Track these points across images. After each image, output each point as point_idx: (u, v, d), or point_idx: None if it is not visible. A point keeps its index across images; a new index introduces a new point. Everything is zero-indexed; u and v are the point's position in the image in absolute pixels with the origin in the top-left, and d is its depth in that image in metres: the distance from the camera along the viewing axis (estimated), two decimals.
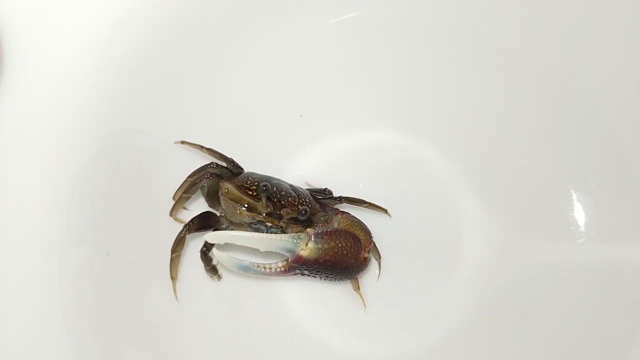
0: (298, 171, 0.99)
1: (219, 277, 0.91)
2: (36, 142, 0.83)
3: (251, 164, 0.94)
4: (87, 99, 0.88)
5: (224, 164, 0.92)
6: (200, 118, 0.97)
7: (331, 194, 0.94)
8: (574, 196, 0.96)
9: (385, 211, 0.96)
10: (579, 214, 0.96)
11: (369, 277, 0.94)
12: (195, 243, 0.91)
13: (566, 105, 0.97)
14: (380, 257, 0.93)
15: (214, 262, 0.89)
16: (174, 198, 0.92)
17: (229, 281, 0.92)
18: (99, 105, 0.89)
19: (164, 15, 0.92)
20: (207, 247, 0.87)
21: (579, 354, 0.89)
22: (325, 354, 0.91)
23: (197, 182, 0.91)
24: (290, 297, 0.94)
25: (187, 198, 0.92)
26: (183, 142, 0.93)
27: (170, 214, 0.91)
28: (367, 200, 0.95)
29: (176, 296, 0.88)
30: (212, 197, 0.91)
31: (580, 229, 0.95)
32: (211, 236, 0.84)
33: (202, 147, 0.92)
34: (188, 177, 0.91)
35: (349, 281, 0.91)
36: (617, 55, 0.93)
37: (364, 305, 0.92)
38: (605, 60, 0.94)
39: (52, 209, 0.83)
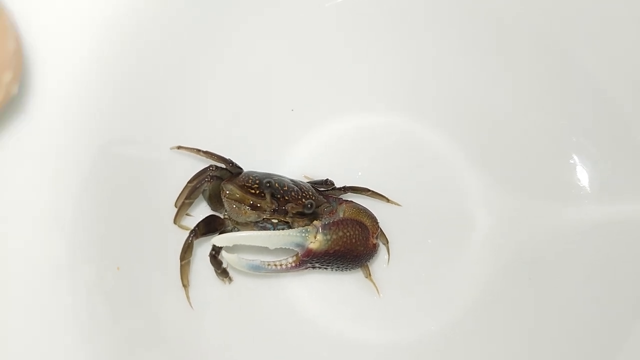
0: (295, 164, 0.98)
1: (230, 279, 0.90)
2: (32, 161, 0.81)
3: (247, 162, 0.93)
4: (77, 115, 0.85)
5: (223, 166, 0.91)
6: (191, 119, 0.95)
7: (333, 184, 0.94)
8: (576, 161, 0.97)
9: (387, 199, 0.96)
10: (582, 178, 0.96)
11: (379, 264, 0.94)
12: (203, 248, 0.90)
13: (562, 74, 0.97)
14: (388, 242, 0.93)
15: (224, 265, 0.88)
16: (175, 205, 0.91)
17: (241, 283, 0.91)
18: (89, 120, 0.86)
19: (147, 19, 0.89)
20: (215, 251, 0.87)
21: (595, 315, 0.90)
22: (346, 348, 0.91)
23: (198, 187, 0.89)
24: (304, 294, 0.93)
25: (190, 204, 0.91)
26: (179, 147, 0.92)
27: (175, 222, 0.91)
28: (370, 188, 0.95)
29: (190, 303, 0.88)
30: (215, 200, 0.90)
31: (583, 192, 0.96)
32: (218, 239, 0.84)
33: (199, 150, 0.91)
34: (188, 182, 0.90)
35: (359, 270, 0.91)
36: (613, 25, 0.92)
37: (378, 292, 0.92)
38: (601, 30, 0.93)
39: (56, 229, 0.81)
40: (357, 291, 0.93)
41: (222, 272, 0.89)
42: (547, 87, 0.98)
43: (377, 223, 0.89)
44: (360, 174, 0.98)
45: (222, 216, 0.91)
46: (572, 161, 0.97)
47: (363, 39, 1.00)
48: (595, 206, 0.95)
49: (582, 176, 0.96)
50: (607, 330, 0.88)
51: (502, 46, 0.99)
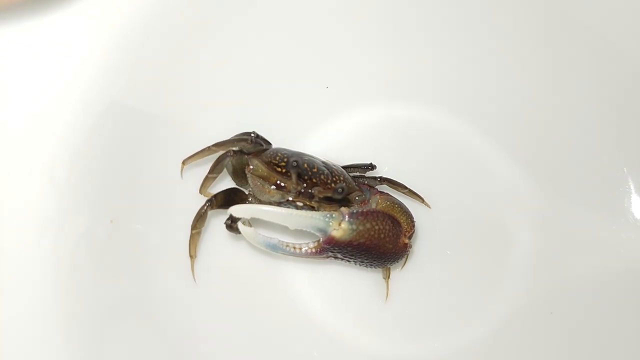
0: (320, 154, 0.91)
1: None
2: (26, 109, 0.75)
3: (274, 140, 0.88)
4: (91, 68, 0.80)
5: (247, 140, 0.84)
6: (217, 92, 0.90)
7: (375, 168, 0.88)
8: (631, 185, 0.88)
9: (422, 200, 0.89)
10: (635, 204, 0.88)
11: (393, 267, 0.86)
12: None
13: (622, 90, 0.89)
14: (411, 246, 0.84)
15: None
16: (183, 163, 0.84)
17: (247, 263, 0.86)
18: (99, 74, 0.80)
19: None
20: (232, 220, 0.79)
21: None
22: (340, 349, 0.85)
23: (222, 161, 0.83)
24: (310, 286, 0.87)
25: (214, 178, 0.85)
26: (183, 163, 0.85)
27: (200, 192, 0.84)
28: (407, 186, 0.87)
29: (194, 276, 0.81)
30: (239, 174, 0.84)
31: (636, 218, 0.87)
32: (236, 209, 0.77)
33: (209, 147, 0.84)
34: (213, 145, 0.84)
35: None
36: None
37: (386, 297, 0.85)
38: None
39: (48, 182, 0.75)
40: (366, 292, 0.86)
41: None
42: (601, 99, 0.90)
43: (413, 222, 0.82)
44: (386, 169, 0.91)
45: (246, 191, 0.84)
46: (628, 183, 0.89)
47: (401, 27, 0.94)
48: None
49: (636, 201, 0.88)
50: None
51: (557, 52, 0.91)
